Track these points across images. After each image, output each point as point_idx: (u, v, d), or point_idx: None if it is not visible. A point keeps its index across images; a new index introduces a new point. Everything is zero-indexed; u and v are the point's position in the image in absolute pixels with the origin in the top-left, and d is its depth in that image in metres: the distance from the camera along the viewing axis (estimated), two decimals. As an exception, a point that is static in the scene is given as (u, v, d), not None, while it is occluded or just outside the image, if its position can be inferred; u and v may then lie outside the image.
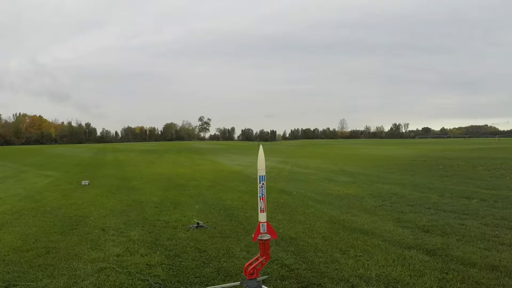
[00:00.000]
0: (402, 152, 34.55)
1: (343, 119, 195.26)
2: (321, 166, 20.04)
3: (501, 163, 19.19)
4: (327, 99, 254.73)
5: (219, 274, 4.43)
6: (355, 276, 4.26)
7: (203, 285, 4.13)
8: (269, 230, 3.79)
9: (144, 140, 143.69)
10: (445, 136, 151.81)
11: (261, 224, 3.74)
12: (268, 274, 4.35)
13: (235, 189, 11.50)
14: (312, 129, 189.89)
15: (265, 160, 3.81)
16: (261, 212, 3.76)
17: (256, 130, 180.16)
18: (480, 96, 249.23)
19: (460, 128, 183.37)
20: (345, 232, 6.14)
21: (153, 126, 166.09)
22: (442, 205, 8.37)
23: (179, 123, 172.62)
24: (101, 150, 49.97)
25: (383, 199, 9.25)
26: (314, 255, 5.00)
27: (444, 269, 4.42)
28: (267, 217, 3.81)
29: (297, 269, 4.52)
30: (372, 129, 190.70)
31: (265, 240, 3.77)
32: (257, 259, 3.84)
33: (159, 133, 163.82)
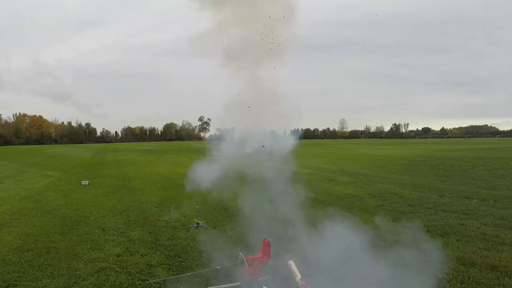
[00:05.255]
0: (402, 152, 34.53)
1: (343, 119, 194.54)
2: (321, 166, 20.03)
3: (501, 163, 19.19)
4: (327, 99, 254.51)
5: (219, 274, 4.43)
6: (355, 276, 4.25)
7: (203, 285, 4.13)
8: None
9: (144, 140, 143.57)
10: (445, 136, 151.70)
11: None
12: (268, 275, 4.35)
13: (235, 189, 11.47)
14: (312, 129, 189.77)
15: (265, 160, 3.82)
16: None
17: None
18: (480, 96, 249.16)
19: (460, 128, 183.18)
20: (345, 232, 6.12)
21: (153, 126, 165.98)
22: (442, 205, 8.37)
23: (179, 123, 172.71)
24: (101, 150, 49.91)
25: (383, 199, 9.25)
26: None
27: (444, 269, 4.42)
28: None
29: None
30: (372, 129, 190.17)
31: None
32: (258, 258, 3.86)
33: (159, 133, 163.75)
